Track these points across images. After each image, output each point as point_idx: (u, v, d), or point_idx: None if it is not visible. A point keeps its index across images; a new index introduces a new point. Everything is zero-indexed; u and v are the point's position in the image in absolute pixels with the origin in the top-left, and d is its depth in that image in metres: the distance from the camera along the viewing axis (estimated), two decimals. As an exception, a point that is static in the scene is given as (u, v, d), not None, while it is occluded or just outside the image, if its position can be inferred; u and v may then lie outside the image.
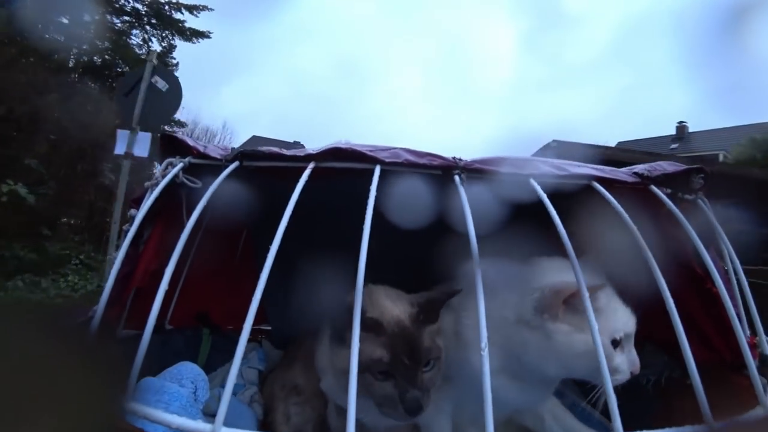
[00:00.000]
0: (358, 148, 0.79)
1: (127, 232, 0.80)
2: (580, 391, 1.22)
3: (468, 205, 0.68)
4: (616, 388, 0.66)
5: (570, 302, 0.77)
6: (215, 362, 1.22)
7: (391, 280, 0.87)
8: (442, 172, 0.77)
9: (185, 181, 0.84)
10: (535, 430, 0.99)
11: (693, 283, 0.90)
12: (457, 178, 0.75)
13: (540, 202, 0.74)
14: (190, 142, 0.86)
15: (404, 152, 0.80)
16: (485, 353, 0.51)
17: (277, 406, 1.07)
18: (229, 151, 0.85)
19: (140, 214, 0.79)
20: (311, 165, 0.78)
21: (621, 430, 0.55)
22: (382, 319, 0.75)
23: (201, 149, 0.85)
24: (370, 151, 0.79)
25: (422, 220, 0.85)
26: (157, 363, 0.99)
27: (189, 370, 0.84)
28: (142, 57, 8.93)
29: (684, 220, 0.76)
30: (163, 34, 9.02)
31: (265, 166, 0.85)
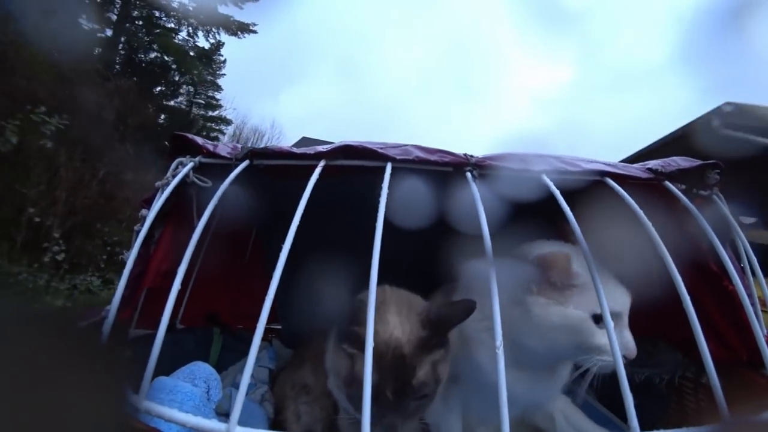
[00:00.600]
0: (369, 146, 0.79)
1: (138, 232, 0.80)
2: (592, 390, 1.21)
3: (480, 201, 0.67)
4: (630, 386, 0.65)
5: (549, 276, 0.76)
6: (226, 362, 1.22)
7: (397, 278, 0.85)
8: (453, 169, 0.77)
9: (195, 180, 0.84)
10: (546, 429, 0.98)
11: (707, 280, 0.89)
12: (469, 174, 0.74)
13: (545, 199, 0.74)
14: (200, 141, 0.86)
15: (415, 149, 0.79)
16: (500, 352, 0.50)
17: (288, 405, 1.07)
18: (239, 150, 0.85)
19: (151, 215, 0.79)
20: (322, 163, 0.77)
21: (638, 429, 0.54)
22: (377, 337, 0.68)
23: (211, 148, 0.85)
24: (381, 148, 0.79)
25: (430, 218, 0.85)
26: (168, 362, 1.00)
27: (202, 370, 0.84)
28: (187, 50, 8.92)
29: (700, 217, 0.75)
30: (208, 29, 9.11)
31: (275, 164, 0.85)
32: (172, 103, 9.83)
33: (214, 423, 0.53)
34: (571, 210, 0.69)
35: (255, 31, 9.17)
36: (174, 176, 0.83)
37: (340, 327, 0.77)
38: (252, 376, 1.17)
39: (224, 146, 0.87)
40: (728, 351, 0.91)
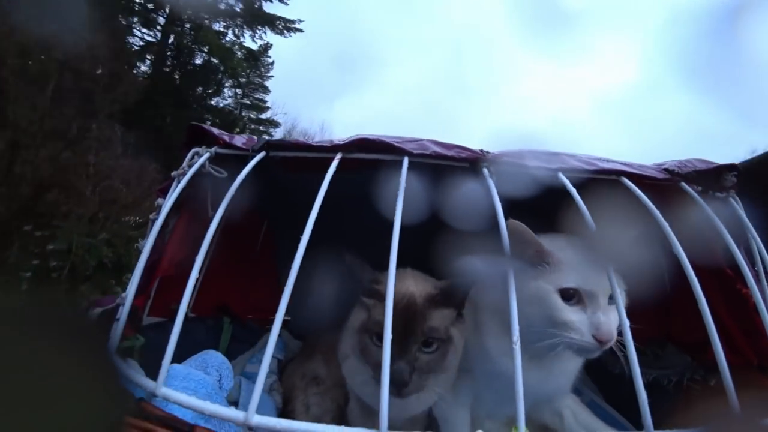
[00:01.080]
0: (386, 139, 0.79)
1: (154, 221, 0.81)
2: (597, 389, 1.21)
3: (498, 198, 0.67)
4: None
5: (521, 250, 0.76)
6: (235, 352, 1.23)
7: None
8: (469, 165, 0.77)
9: (211, 171, 0.84)
10: (554, 426, 0.98)
11: (719, 283, 0.89)
12: (485, 170, 0.74)
13: (548, 194, 0.74)
14: (216, 132, 0.87)
15: (431, 144, 0.79)
16: (517, 347, 0.50)
17: (297, 395, 1.08)
18: (256, 141, 0.85)
19: (167, 204, 0.80)
20: (338, 156, 0.78)
21: (651, 428, 0.54)
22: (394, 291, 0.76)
23: (227, 139, 0.86)
24: (398, 142, 0.79)
25: (442, 213, 0.86)
26: (178, 350, 1.01)
27: (214, 359, 0.85)
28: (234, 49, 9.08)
29: (716, 219, 0.75)
30: (255, 28, 9.19)
31: (291, 156, 0.85)
32: (220, 104, 9.91)
33: (232, 411, 0.53)
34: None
35: (301, 30, 9.26)
36: (190, 166, 0.84)
37: (360, 288, 0.82)
38: (260, 365, 1.19)
39: (240, 137, 0.88)
40: (737, 354, 0.91)
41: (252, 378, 1.11)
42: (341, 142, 0.81)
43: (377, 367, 0.71)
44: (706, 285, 0.85)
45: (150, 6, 7.96)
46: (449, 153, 0.77)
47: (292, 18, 9.11)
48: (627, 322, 0.59)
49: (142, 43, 8.22)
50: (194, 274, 0.65)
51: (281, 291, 1.42)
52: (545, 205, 0.75)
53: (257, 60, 9.83)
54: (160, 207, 0.82)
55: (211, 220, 0.75)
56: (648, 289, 0.95)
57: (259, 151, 0.82)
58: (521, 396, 0.49)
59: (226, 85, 9.75)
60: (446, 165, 0.79)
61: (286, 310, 1.43)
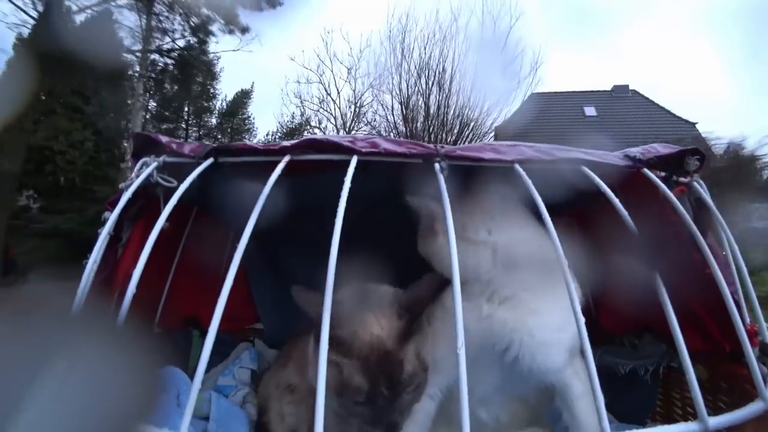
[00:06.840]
0: (335, 139, 0.76)
1: (101, 235, 0.78)
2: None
3: (446, 193, 0.65)
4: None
5: None
6: (208, 365, 1.20)
7: (380, 271, 0.84)
8: (422, 161, 0.74)
9: (160, 180, 0.81)
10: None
11: (691, 270, 0.87)
12: (437, 165, 0.71)
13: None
14: (164, 140, 0.84)
15: (383, 141, 0.77)
16: (461, 352, 0.48)
17: (272, 405, 1.05)
18: (204, 147, 0.82)
19: (113, 217, 0.77)
20: (286, 158, 0.75)
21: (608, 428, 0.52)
22: (359, 340, 0.71)
23: (175, 147, 0.83)
24: (348, 141, 0.76)
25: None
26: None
27: (171, 375, 0.82)
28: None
29: (678, 204, 0.73)
30: None
31: (241, 161, 0.82)
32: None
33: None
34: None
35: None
36: (138, 177, 0.81)
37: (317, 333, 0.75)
38: (233, 377, 1.16)
39: (190, 144, 0.85)
40: (711, 342, 0.89)
41: (224, 391, 1.09)
42: (290, 144, 0.78)
43: (365, 420, 0.70)
44: (678, 272, 0.83)
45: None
46: (400, 149, 0.74)
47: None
48: (582, 319, 0.56)
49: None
50: (131, 289, 0.62)
51: (252, 299, 1.38)
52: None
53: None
54: (107, 221, 0.79)
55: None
56: (625, 278, 0.93)
57: (206, 158, 0.79)
58: (465, 402, 0.46)
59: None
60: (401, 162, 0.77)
61: (259, 319, 1.41)
